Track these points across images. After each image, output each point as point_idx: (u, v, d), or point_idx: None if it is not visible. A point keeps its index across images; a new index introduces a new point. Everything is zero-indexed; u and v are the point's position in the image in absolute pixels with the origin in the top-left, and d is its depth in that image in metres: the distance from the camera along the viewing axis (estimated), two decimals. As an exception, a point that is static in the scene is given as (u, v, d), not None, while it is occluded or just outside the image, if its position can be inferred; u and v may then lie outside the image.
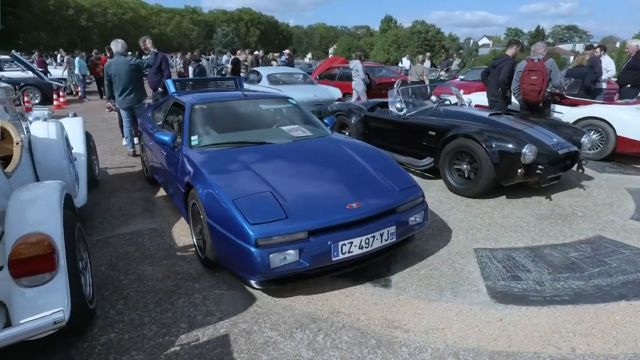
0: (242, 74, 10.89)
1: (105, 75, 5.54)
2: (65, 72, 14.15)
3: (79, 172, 3.76)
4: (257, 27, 73.99)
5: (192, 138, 3.35)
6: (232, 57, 12.37)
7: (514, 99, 6.08)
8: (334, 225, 2.43)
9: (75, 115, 4.58)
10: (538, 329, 2.25)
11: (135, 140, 5.83)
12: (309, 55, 37.53)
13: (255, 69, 9.91)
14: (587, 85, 6.86)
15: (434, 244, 3.27)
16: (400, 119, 5.19)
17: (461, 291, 2.62)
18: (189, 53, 13.13)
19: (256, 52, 19.88)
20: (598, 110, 5.80)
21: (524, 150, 3.85)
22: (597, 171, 5.33)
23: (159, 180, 4.19)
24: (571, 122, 5.71)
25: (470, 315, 2.38)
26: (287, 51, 16.50)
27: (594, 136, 5.77)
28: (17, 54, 14.54)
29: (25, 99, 11.49)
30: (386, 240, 2.59)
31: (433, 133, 4.71)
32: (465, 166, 4.30)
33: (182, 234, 3.45)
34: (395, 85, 5.49)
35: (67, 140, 3.55)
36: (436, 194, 4.42)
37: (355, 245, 2.46)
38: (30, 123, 3.22)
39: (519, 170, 3.93)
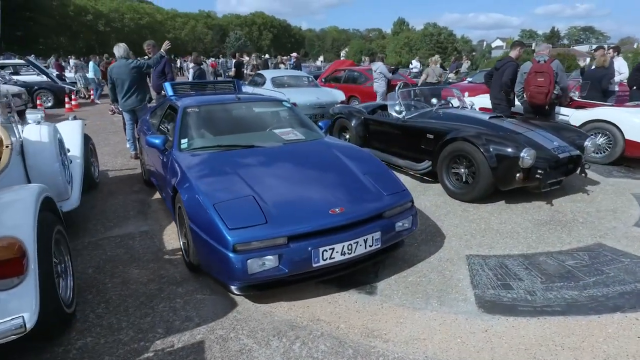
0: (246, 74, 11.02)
1: (109, 79, 5.65)
2: (76, 76, 14.54)
3: (73, 174, 3.79)
4: (269, 31, 74.68)
5: (182, 141, 3.34)
6: (235, 60, 12.45)
7: (517, 102, 5.94)
8: (315, 231, 2.38)
9: (75, 118, 4.66)
10: (524, 341, 2.15)
11: None
12: (321, 58, 37.55)
13: (260, 71, 9.97)
14: (604, 87, 6.63)
15: (425, 250, 3.18)
16: (399, 121, 5.12)
17: (448, 300, 2.54)
18: (189, 56, 13.29)
19: (266, 56, 20.03)
20: (605, 113, 5.60)
21: (522, 154, 3.74)
22: (604, 175, 5.15)
23: (154, 182, 4.21)
24: (577, 125, 5.53)
25: (455, 325, 2.29)
26: (294, 54, 16.57)
27: (601, 139, 5.58)
28: (34, 59, 14.92)
29: (38, 102, 11.81)
30: (370, 246, 2.53)
31: (431, 136, 4.63)
32: (462, 170, 4.21)
33: (173, 237, 3.44)
34: (396, 88, 5.43)
35: (61, 143, 3.58)
36: (433, 198, 4.33)
37: (337, 252, 2.41)
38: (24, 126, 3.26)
39: (518, 175, 3.82)
